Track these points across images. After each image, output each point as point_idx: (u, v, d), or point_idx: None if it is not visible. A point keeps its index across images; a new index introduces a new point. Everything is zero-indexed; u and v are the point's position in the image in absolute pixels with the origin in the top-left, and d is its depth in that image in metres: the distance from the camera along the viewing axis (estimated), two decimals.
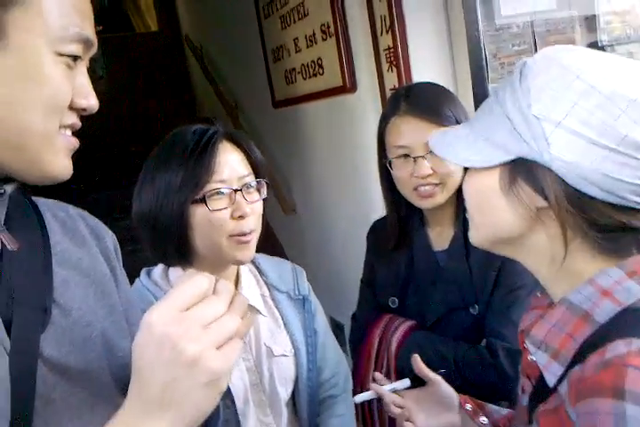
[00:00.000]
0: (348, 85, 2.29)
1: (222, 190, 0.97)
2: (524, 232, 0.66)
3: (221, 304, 0.52)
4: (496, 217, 0.67)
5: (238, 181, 0.99)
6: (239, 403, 1.02)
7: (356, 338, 1.36)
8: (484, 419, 0.92)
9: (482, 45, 1.95)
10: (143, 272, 1.08)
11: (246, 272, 1.11)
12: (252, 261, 1.14)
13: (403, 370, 1.20)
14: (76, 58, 0.57)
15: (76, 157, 0.62)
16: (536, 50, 1.84)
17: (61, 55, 0.55)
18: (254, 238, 1.01)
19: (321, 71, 2.53)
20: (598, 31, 2.40)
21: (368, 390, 1.03)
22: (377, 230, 1.38)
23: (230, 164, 0.98)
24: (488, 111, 0.67)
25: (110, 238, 0.73)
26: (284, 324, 1.11)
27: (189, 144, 0.97)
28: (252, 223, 1.00)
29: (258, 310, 1.09)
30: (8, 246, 0.59)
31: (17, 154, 0.56)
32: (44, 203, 0.69)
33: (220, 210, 0.97)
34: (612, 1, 2.47)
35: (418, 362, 0.97)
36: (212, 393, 0.51)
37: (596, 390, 0.54)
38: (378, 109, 2.02)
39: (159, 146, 1.03)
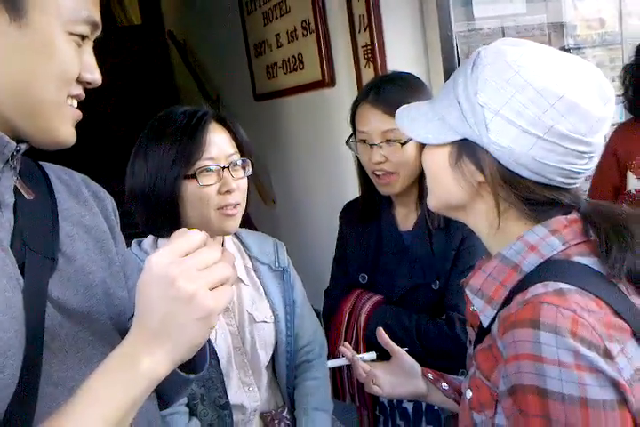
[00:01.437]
0: (327, 80, 2.38)
1: (211, 167, 1.06)
2: (468, 201, 0.77)
3: (215, 253, 0.60)
4: (446, 187, 0.77)
5: (226, 159, 1.08)
6: (223, 363, 1.11)
7: (327, 312, 1.45)
8: (444, 385, 1.02)
9: (455, 45, 2.07)
10: (134, 243, 1.16)
11: (230, 245, 1.20)
12: (236, 235, 1.23)
13: (370, 340, 1.30)
14: (83, 37, 0.64)
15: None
16: None
17: (72, 34, 0.63)
18: (239, 212, 1.10)
19: (301, 66, 2.62)
20: (565, 36, 2.54)
21: (339, 357, 1.13)
22: (348, 210, 1.48)
23: (219, 143, 1.07)
24: (446, 93, 0.77)
25: (109, 202, 0.81)
26: (265, 293, 1.20)
27: (181, 123, 1.05)
28: (238, 197, 1.08)
29: (241, 280, 1.18)
30: (25, 195, 0.67)
31: (31, 120, 0.63)
32: (49, 167, 0.77)
33: (209, 185, 1.05)
34: (579, 8, 2.62)
35: (382, 335, 1.07)
36: (203, 328, 0.59)
37: (518, 322, 0.65)
38: None
39: (149, 124, 1.10)
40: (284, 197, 3.18)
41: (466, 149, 0.73)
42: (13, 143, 0.63)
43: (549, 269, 0.70)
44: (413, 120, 0.79)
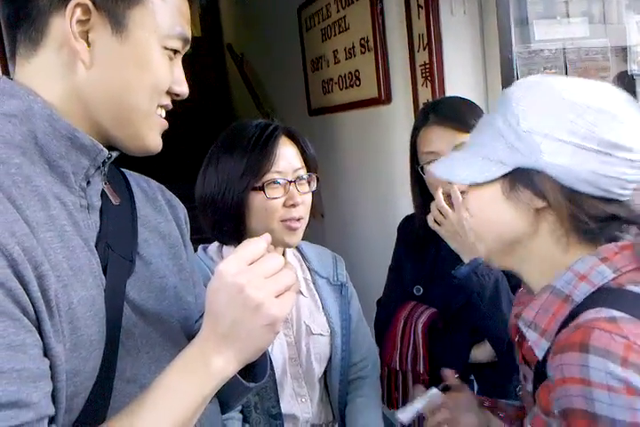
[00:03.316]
0: (384, 97, 2.40)
1: (279, 181, 1.09)
2: (526, 231, 0.76)
3: (279, 260, 0.63)
4: (501, 221, 0.77)
5: (293, 173, 1.11)
6: (278, 373, 1.13)
7: (380, 321, 1.45)
8: (501, 413, 1.01)
9: (514, 66, 2.06)
10: (200, 248, 1.20)
11: (291, 257, 1.23)
12: (297, 248, 1.26)
13: (432, 355, 1.30)
14: (175, 52, 0.69)
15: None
16: (566, 74, 1.95)
17: (166, 49, 0.67)
18: (302, 225, 1.12)
19: (358, 83, 2.65)
20: (629, 61, 2.49)
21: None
22: (408, 224, 1.49)
23: (287, 157, 1.10)
24: (479, 134, 0.79)
25: (182, 210, 0.85)
26: (323, 306, 1.22)
27: (253, 136, 1.09)
28: (302, 211, 1.11)
29: (300, 291, 1.20)
30: (112, 200, 0.71)
31: (123, 128, 0.67)
32: (130, 174, 0.81)
33: (276, 198, 1.08)
34: None
35: (447, 373, 1.02)
36: (269, 333, 0.62)
37: (567, 346, 0.64)
38: (410, 121, 2.11)
39: (223, 135, 1.14)
40: (333, 211, 3.20)
41: (519, 178, 0.74)
42: (106, 151, 0.67)
43: (601, 298, 0.69)
44: (450, 166, 0.80)
